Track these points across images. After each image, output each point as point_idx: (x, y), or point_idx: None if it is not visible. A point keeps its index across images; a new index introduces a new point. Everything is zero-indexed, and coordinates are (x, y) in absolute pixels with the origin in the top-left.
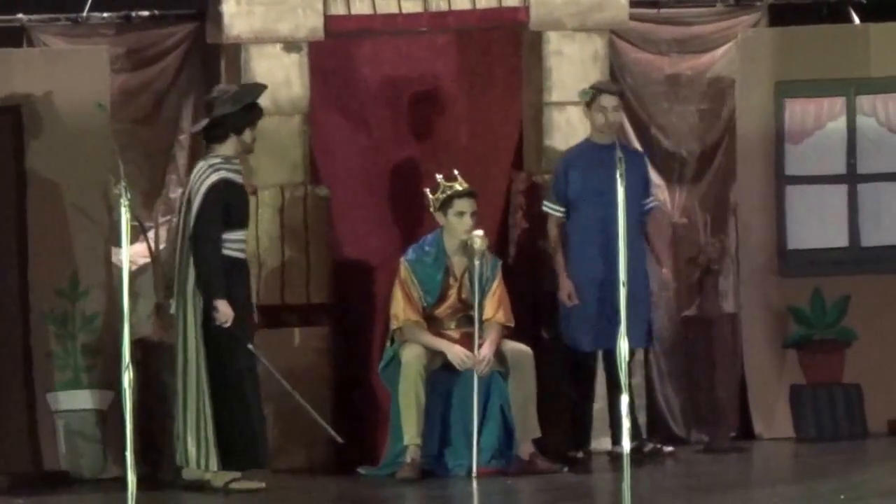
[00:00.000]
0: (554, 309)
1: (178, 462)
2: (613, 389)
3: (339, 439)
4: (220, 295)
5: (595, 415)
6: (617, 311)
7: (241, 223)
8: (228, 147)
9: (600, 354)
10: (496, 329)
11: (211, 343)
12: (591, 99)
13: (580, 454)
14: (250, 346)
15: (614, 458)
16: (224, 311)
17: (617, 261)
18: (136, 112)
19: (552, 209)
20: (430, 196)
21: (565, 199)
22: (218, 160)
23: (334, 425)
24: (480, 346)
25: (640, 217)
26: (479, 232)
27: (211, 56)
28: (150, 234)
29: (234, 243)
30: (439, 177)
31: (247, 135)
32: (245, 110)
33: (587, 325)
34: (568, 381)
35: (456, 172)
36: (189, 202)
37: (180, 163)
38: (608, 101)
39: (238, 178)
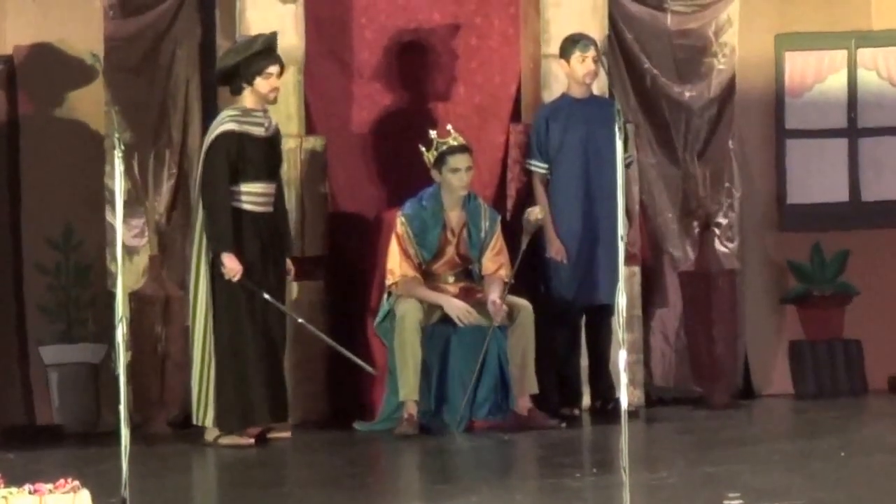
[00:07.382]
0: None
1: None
2: (600, 345)
3: (374, 371)
4: (224, 248)
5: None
6: (604, 267)
7: (256, 175)
8: (247, 99)
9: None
10: (498, 283)
11: (219, 298)
12: (568, 51)
13: (575, 411)
14: (266, 296)
15: (595, 413)
16: (230, 266)
17: (599, 215)
18: (129, 60)
19: (536, 166)
20: (426, 153)
21: (547, 154)
22: (234, 112)
23: (330, 379)
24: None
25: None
26: (537, 207)
27: (206, 5)
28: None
29: (247, 195)
30: (433, 133)
31: (259, 84)
32: (252, 59)
33: (571, 281)
34: (555, 338)
35: (449, 127)
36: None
37: (176, 117)
38: (587, 52)
39: (255, 130)
